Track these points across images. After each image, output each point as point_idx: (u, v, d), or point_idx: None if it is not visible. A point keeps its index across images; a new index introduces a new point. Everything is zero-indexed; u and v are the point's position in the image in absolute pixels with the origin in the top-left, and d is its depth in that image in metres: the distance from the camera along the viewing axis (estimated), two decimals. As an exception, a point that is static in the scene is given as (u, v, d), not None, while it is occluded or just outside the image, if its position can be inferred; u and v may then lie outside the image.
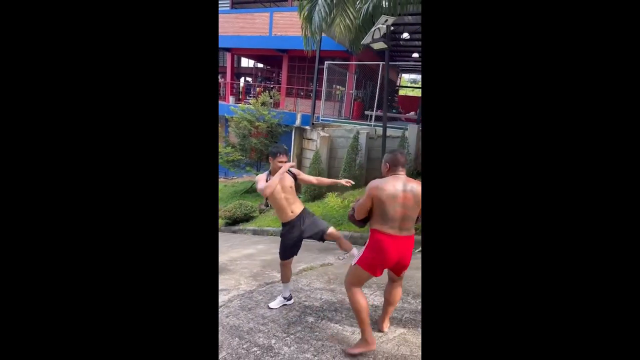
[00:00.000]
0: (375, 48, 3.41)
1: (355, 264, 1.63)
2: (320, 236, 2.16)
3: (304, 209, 2.18)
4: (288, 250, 2.17)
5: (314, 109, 7.50)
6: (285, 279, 2.24)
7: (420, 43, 10.12)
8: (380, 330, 1.79)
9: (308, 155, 7.10)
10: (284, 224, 2.16)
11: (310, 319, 2.01)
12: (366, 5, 4.63)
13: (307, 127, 7.29)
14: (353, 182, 2.22)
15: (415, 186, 1.55)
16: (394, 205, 1.52)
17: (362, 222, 1.68)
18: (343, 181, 2.21)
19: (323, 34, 4.74)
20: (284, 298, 2.24)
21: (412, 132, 5.95)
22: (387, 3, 4.17)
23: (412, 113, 8.50)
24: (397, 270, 1.66)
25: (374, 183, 1.58)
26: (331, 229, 2.18)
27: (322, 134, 6.77)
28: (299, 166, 7.39)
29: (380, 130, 6.48)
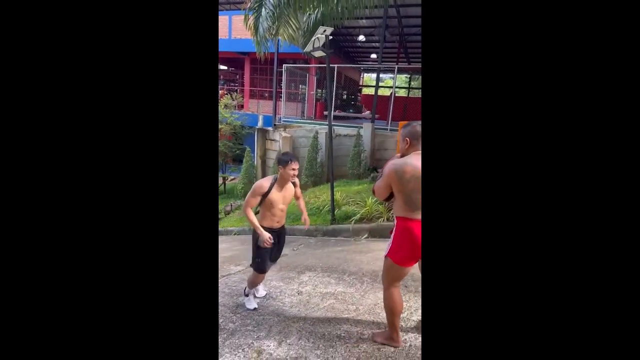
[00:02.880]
0: (316, 56, 3.70)
1: (385, 257, 1.51)
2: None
3: (284, 227, 2.12)
4: (266, 259, 2.01)
5: (276, 110, 7.72)
6: (253, 287, 2.16)
7: (376, 45, 10.64)
8: None
9: (271, 155, 7.31)
10: (263, 228, 1.99)
11: (257, 300, 2.26)
12: (315, 13, 4.94)
13: (270, 129, 7.50)
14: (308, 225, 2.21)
15: None
16: (419, 188, 1.34)
17: (387, 199, 1.54)
18: (304, 221, 2.19)
19: (287, 40, 4.98)
20: (254, 296, 2.22)
21: (367, 130, 6.35)
22: (337, 8, 4.47)
23: (368, 112, 8.97)
24: None
25: (392, 165, 1.40)
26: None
27: (283, 134, 7.01)
28: (263, 167, 7.58)
29: (338, 130, 6.84)
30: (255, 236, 1.99)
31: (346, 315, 1.92)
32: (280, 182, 1.96)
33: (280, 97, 7.95)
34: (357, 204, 4.42)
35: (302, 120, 8.07)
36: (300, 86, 10.21)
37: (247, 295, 2.20)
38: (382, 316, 1.88)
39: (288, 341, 1.71)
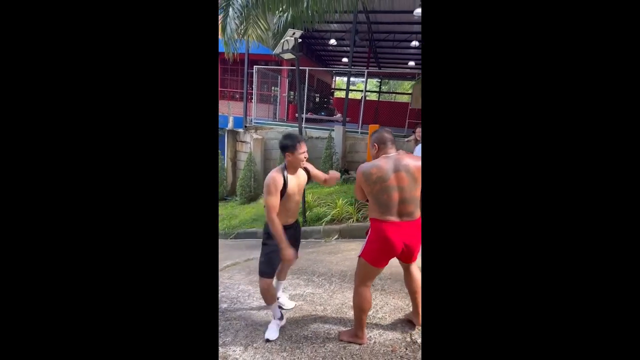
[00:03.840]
0: (285, 58, 3.71)
1: (359, 257, 1.54)
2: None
3: (297, 222, 1.86)
4: (273, 263, 1.72)
5: (246, 111, 7.61)
6: (271, 299, 1.76)
7: (347, 49, 10.83)
8: (417, 325, 1.70)
9: (242, 157, 7.18)
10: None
11: (224, 305, 2.21)
12: (285, 15, 4.94)
13: (240, 130, 7.37)
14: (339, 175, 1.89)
15: (411, 162, 1.41)
16: (386, 190, 1.39)
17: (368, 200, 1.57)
18: (335, 174, 1.84)
19: (255, 40, 4.93)
20: (279, 320, 1.80)
21: (338, 132, 6.43)
22: (307, 11, 4.50)
23: (339, 115, 9.11)
24: (406, 257, 1.53)
25: (360, 168, 1.47)
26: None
27: (255, 136, 6.92)
28: (234, 169, 7.43)
29: (310, 132, 6.87)
30: (267, 243, 1.71)
31: (314, 316, 1.93)
32: (291, 171, 1.68)
33: (251, 98, 7.85)
34: (328, 205, 4.46)
35: (273, 122, 8.02)
36: (273, 88, 10.15)
37: (280, 319, 1.79)
38: (350, 315, 1.91)
39: (254, 345, 1.68)
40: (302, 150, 1.64)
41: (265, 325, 1.87)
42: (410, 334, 1.66)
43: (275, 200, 1.60)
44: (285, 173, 1.66)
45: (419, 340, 1.61)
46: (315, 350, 1.59)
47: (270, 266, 1.71)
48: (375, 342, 1.61)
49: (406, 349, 1.55)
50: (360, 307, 1.56)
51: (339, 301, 2.11)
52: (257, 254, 3.64)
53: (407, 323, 1.76)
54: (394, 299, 2.02)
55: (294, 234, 1.82)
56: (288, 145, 1.63)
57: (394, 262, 2.66)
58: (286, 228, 1.69)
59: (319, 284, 2.42)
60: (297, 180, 1.71)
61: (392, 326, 1.75)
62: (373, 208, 1.46)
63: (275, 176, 1.62)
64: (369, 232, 1.52)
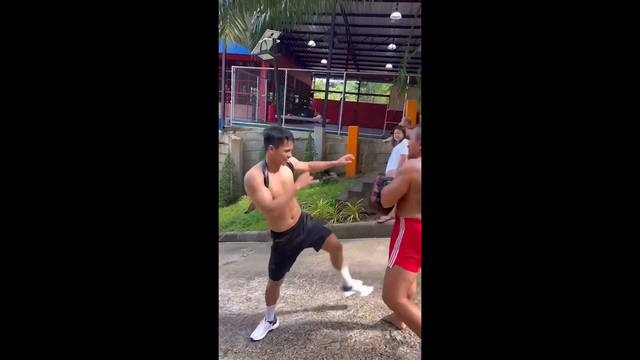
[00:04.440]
0: (263, 59, 3.69)
1: (394, 265, 1.39)
2: (318, 244, 1.75)
3: (302, 212, 1.75)
4: (285, 265, 1.70)
5: (224, 112, 7.48)
6: (272, 300, 1.77)
7: (326, 50, 10.90)
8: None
9: (220, 159, 7.04)
10: (279, 234, 1.65)
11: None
12: (263, 16, 4.91)
13: (218, 131, 7.23)
14: (353, 158, 1.83)
15: None
16: None
17: (388, 210, 1.49)
18: (342, 159, 1.78)
19: (232, 40, 4.84)
20: (269, 323, 1.81)
21: (318, 134, 6.46)
22: (286, 12, 4.48)
23: (319, 116, 9.16)
24: None
25: (412, 164, 1.33)
26: (332, 236, 1.78)
27: (233, 137, 6.81)
28: (212, 171, 7.27)
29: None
30: (278, 242, 1.66)
31: (295, 318, 1.93)
32: (272, 167, 1.52)
33: (229, 99, 7.72)
34: (309, 206, 4.46)
35: (252, 123, 7.92)
36: (251, 88, 10.03)
37: (272, 323, 1.81)
38: (330, 315, 1.92)
39: (234, 350, 1.66)
40: (288, 148, 1.49)
41: (245, 329, 1.85)
42: (390, 332, 1.70)
43: (265, 193, 1.44)
44: (266, 171, 1.50)
45: (399, 337, 1.64)
46: (296, 352, 1.59)
47: (282, 269, 1.71)
48: (355, 341, 1.64)
49: (386, 346, 1.58)
50: (416, 321, 1.34)
51: (320, 302, 2.12)
52: (236, 257, 3.61)
53: (386, 321, 1.79)
54: (373, 298, 2.05)
55: (301, 231, 1.67)
56: (274, 137, 1.47)
57: (375, 261, 2.71)
58: (290, 232, 1.64)
59: (300, 285, 2.42)
60: (280, 178, 1.55)
61: (372, 324, 1.78)
62: (414, 207, 1.34)
63: (254, 173, 1.47)
64: (402, 236, 1.38)
